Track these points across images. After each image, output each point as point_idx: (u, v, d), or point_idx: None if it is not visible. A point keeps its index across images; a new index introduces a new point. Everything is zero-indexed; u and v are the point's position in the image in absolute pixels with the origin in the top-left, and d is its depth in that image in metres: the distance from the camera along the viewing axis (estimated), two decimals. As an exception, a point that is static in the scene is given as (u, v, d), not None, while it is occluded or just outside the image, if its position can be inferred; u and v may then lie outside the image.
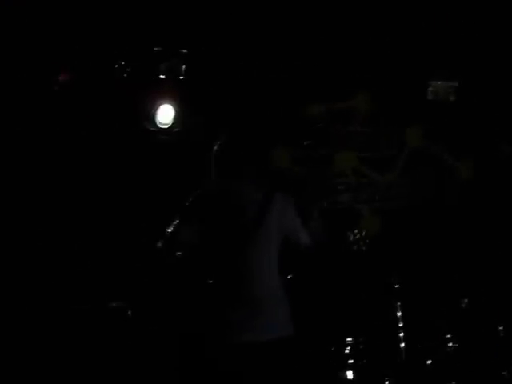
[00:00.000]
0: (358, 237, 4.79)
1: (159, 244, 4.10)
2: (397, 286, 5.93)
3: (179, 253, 4.10)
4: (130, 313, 5.73)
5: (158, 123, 6.15)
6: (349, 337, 5.94)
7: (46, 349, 5.44)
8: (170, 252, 4.12)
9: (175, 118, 6.18)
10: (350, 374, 5.91)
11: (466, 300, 6.07)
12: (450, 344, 5.92)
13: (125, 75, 5.98)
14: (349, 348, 5.88)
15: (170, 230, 4.10)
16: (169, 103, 6.15)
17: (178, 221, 4.12)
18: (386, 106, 6.64)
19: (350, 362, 5.88)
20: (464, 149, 6.61)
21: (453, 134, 6.61)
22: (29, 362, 5.35)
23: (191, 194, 4.21)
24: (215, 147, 4.31)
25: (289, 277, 4.74)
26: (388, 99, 6.58)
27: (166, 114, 6.18)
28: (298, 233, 4.31)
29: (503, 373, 5.71)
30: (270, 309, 4.02)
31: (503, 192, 6.53)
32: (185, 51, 6.04)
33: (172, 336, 5.61)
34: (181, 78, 6.11)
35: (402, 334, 5.90)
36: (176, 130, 6.25)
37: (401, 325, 5.90)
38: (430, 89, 6.45)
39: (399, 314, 5.90)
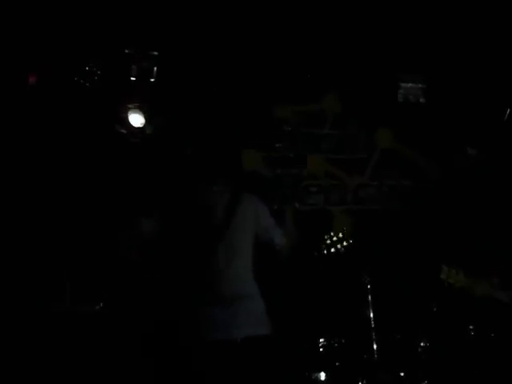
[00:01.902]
0: (335, 239, 4.81)
1: (120, 236, 4.12)
2: (369, 286, 5.97)
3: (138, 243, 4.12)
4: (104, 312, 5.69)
5: (129, 126, 6.11)
6: (322, 337, 5.96)
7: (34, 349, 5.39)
8: (130, 243, 4.13)
9: (146, 121, 6.15)
10: (322, 375, 5.94)
11: (436, 301, 6.13)
12: (422, 344, 5.98)
13: (95, 77, 5.92)
14: (322, 348, 5.91)
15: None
16: (140, 106, 6.12)
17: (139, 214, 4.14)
18: (356, 107, 6.68)
19: (323, 362, 5.91)
20: (433, 150, 6.68)
21: (422, 136, 6.66)
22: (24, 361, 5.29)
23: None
24: (187, 149, 4.32)
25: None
26: (358, 101, 6.62)
27: (137, 117, 6.14)
28: (272, 232, 4.33)
29: (474, 372, 5.78)
30: (244, 307, 4.02)
31: (470, 193, 6.61)
32: (156, 53, 6.01)
33: (146, 334, 5.58)
34: (152, 80, 6.07)
35: (374, 335, 5.94)
36: (147, 132, 6.21)
37: (373, 325, 5.94)
38: (401, 91, 6.50)
39: (372, 314, 5.94)
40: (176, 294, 4.21)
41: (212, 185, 4.26)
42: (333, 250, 5.79)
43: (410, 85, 6.48)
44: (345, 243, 5.24)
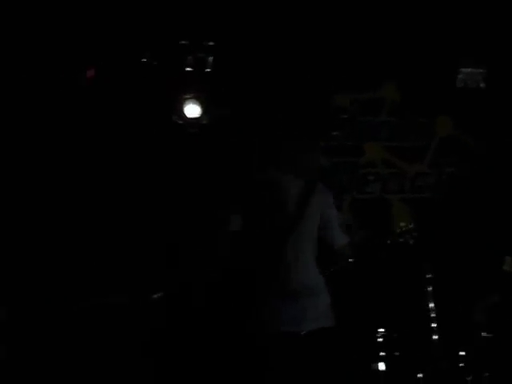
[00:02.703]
0: (404, 229, 4.73)
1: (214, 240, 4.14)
2: (429, 276, 5.88)
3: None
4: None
5: (185, 116, 6.13)
6: (382, 328, 5.90)
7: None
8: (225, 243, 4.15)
9: (203, 111, 6.17)
10: (382, 366, 5.88)
11: (499, 292, 6.00)
12: (484, 334, 5.86)
13: (152, 69, 5.96)
14: (382, 339, 5.85)
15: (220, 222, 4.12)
16: (196, 96, 6.13)
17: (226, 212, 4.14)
18: (415, 95, 6.58)
19: (383, 353, 5.85)
20: (495, 137, 6.53)
21: (483, 122, 6.52)
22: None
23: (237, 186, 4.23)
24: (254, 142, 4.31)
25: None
26: (416, 88, 6.52)
27: (193, 108, 6.16)
28: (334, 229, 4.26)
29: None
30: (311, 300, 4.03)
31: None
32: (211, 43, 6.01)
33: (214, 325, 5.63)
34: (208, 70, 6.08)
35: (434, 325, 5.85)
36: (204, 122, 6.23)
37: (434, 315, 5.85)
38: (460, 76, 6.36)
39: (432, 304, 5.85)
40: (246, 285, 4.20)
41: (282, 175, 4.21)
42: (405, 240, 5.71)
43: (469, 70, 6.34)
44: (414, 234, 5.16)
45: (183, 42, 6.00)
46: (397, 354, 5.87)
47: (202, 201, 5.95)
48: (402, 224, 4.73)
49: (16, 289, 5.46)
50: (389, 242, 4.84)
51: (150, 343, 5.54)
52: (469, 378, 5.66)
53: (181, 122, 6.16)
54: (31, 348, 5.31)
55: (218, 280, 5.42)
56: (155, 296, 5.68)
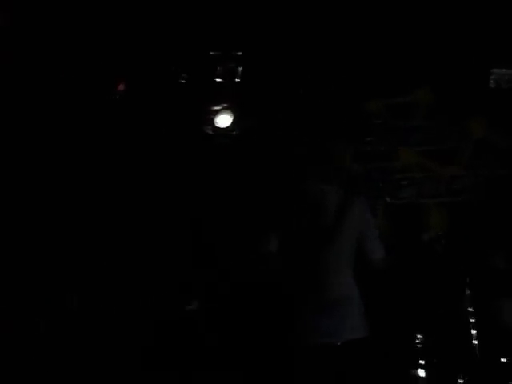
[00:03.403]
0: (433, 237, 4.69)
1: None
2: (468, 280, 5.82)
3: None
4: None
5: (216, 127, 6.15)
6: (420, 334, 5.86)
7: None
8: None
9: (233, 121, 6.18)
10: (421, 373, 5.83)
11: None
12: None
13: (182, 80, 6.00)
14: (420, 346, 5.81)
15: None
16: (227, 107, 6.15)
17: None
18: (447, 97, 6.51)
19: (422, 360, 5.80)
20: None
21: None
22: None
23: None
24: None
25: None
26: (449, 90, 6.45)
27: (224, 118, 6.18)
28: (371, 240, 4.23)
29: None
30: (345, 310, 4.00)
31: None
32: (240, 53, 6.03)
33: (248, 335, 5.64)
34: (237, 80, 6.09)
35: (474, 331, 5.79)
36: (235, 133, 6.24)
37: (473, 321, 5.79)
38: (492, 77, 6.28)
39: (471, 309, 5.80)
40: (280, 296, 4.20)
41: (321, 185, 4.19)
42: (434, 248, 5.66)
43: (502, 70, 6.26)
44: (443, 241, 5.11)
45: (213, 53, 6.02)
46: (435, 360, 5.83)
47: (237, 215, 5.95)
48: (431, 232, 4.69)
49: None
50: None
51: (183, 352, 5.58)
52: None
53: (212, 132, 6.17)
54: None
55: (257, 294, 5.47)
56: (190, 307, 5.71)
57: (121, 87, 5.93)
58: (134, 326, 5.69)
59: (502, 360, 5.70)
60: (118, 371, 5.41)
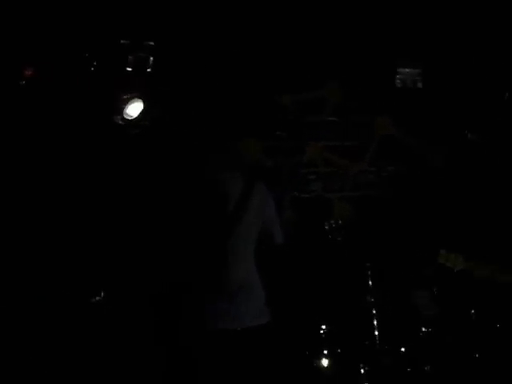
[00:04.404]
0: (333, 227, 4.81)
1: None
2: (370, 272, 5.97)
3: None
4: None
5: (126, 117, 6.09)
6: (323, 324, 5.97)
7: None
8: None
9: (143, 111, 6.13)
10: (325, 362, 5.94)
11: (437, 287, 6.12)
12: (424, 329, 5.97)
13: (92, 69, 5.91)
14: (324, 335, 5.92)
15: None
16: (137, 96, 6.10)
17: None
18: (355, 94, 6.65)
19: (325, 350, 5.91)
20: (434, 136, 6.65)
21: (421, 121, 6.64)
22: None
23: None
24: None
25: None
26: (356, 88, 6.59)
27: (134, 108, 6.13)
28: (274, 227, 4.32)
29: (475, 355, 5.77)
30: (246, 298, 4.03)
31: (470, 178, 6.58)
32: (152, 43, 5.99)
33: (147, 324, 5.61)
34: (149, 70, 6.05)
35: (375, 321, 5.94)
36: (144, 123, 6.20)
37: (374, 312, 5.94)
38: (398, 76, 6.46)
39: (373, 300, 5.94)
40: (183, 282, 4.20)
41: (224, 174, 4.23)
42: (334, 238, 5.78)
43: (407, 70, 6.44)
44: (343, 232, 5.24)
45: (124, 42, 5.96)
46: (339, 350, 5.95)
47: (143, 206, 5.93)
48: (331, 222, 4.81)
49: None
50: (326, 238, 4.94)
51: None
52: (409, 371, 5.77)
53: (122, 122, 6.11)
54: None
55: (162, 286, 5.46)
56: (95, 299, 5.66)
57: (28, 73, 5.79)
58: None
59: (402, 349, 5.88)
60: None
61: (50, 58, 5.81)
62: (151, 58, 6.03)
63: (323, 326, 5.99)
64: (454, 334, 5.92)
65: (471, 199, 6.50)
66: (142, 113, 6.10)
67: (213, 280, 4.03)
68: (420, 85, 6.44)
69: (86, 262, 5.91)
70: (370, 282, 5.91)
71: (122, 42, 5.92)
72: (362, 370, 5.89)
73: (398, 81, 6.55)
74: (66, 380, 5.37)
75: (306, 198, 6.64)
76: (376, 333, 5.93)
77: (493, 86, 6.51)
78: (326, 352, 5.94)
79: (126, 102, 6.05)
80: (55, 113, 5.94)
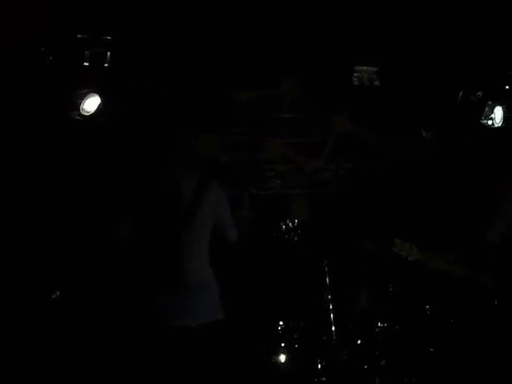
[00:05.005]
0: (289, 227, 4.85)
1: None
2: (327, 268, 6.02)
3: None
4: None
5: (83, 112, 6.03)
6: (281, 320, 6.00)
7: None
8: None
9: (100, 107, 6.07)
10: (282, 358, 5.97)
11: (392, 282, 6.20)
12: (380, 324, 6.04)
13: (47, 63, 5.82)
14: (281, 331, 5.95)
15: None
16: (94, 91, 6.03)
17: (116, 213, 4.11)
18: (312, 91, 6.68)
19: (282, 345, 5.94)
20: (390, 133, 6.72)
21: (378, 119, 6.70)
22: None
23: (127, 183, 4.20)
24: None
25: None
26: (314, 85, 6.62)
27: (90, 103, 6.06)
28: (225, 224, 4.33)
29: (430, 349, 5.86)
30: (200, 294, 4.04)
31: (426, 173, 6.68)
32: (109, 38, 5.92)
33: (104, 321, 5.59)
34: (106, 65, 5.98)
35: (332, 317, 5.99)
36: (101, 118, 6.14)
37: (331, 307, 5.99)
38: (355, 74, 6.51)
39: (330, 296, 5.99)
40: (137, 280, 4.18)
41: (177, 171, 4.22)
42: (290, 237, 5.81)
43: (364, 68, 6.49)
44: (299, 231, 5.28)
45: (80, 36, 5.89)
46: (296, 345, 5.99)
47: (93, 202, 5.89)
48: (287, 222, 4.83)
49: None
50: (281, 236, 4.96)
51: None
52: (366, 367, 5.83)
53: (77, 117, 6.04)
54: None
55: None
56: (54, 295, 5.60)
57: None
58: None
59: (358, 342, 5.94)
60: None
61: (4, 52, 5.71)
62: (108, 53, 5.96)
63: (281, 322, 6.02)
64: (409, 329, 6.00)
65: (427, 193, 6.60)
66: (98, 108, 6.03)
67: (167, 275, 4.05)
68: (377, 83, 6.49)
69: (39, 258, 5.84)
70: (328, 279, 5.96)
71: (78, 36, 5.84)
72: (319, 365, 5.94)
73: (355, 79, 6.58)
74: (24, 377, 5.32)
75: (263, 195, 6.66)
76: (333, 328, 5.99)
77: (447, 86, 6.60)
78: (283, 347, 5.98)
79: (83, 97, 5.98)
80: (10, 108, 5.85)
